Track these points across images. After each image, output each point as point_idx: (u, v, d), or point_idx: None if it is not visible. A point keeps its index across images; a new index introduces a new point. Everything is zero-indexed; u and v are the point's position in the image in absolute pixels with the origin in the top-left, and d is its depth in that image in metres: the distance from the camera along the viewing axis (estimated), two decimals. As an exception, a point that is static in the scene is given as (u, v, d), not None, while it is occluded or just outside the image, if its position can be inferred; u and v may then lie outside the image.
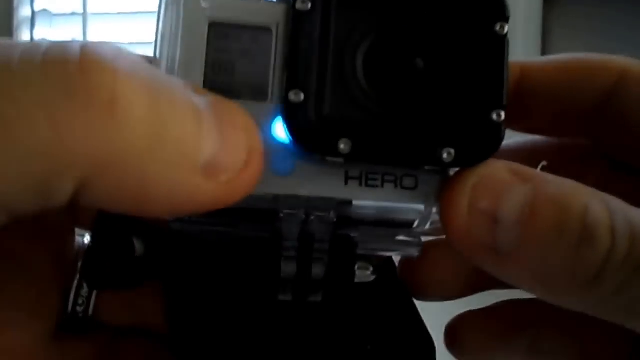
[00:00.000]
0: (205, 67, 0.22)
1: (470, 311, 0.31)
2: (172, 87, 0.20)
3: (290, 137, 0.22)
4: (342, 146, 0.22)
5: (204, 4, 0.22)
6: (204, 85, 0.22)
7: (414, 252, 0.27)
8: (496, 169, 0.23)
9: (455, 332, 0.31)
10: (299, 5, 0.22)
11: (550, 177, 0.23)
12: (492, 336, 0.31)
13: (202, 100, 0.20)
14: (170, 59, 0.23)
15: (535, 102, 0.27)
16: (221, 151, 0.19)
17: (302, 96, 0.22)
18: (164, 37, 0.23)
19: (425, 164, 0.23)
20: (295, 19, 0.22)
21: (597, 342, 0.29)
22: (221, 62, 0.23)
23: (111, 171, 0.18)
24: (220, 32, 0.23)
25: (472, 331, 0.31)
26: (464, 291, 0.31)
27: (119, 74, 0.18)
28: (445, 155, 0.22)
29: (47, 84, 0.17)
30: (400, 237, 0.27)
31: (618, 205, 0.22)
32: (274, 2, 0.23)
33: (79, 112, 0.17)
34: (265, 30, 0.23)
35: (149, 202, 0.19)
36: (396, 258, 0.31)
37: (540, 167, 0.24)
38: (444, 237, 0.29)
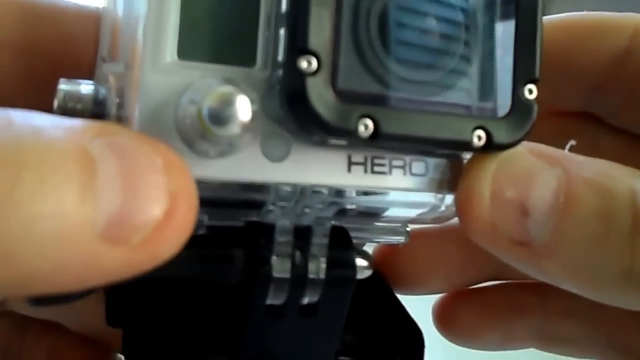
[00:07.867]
0: (180, 23, 0.18)
1: (464, 290, 0.28)
2: (44, 139, 0.15)
3: (293, 115, 0.17)
4: (362, 128, 0.17)
5: None
6: (179, 49, 0.18)
7: (402, 239, 0.24)
8: (517, 151, 0.20)
9: (447, 312, 0.28)
10: None
11: (581, 158, 0.20)
12: (490, 319, 0.28)
13: (99, 144, 0.15)
14: (134, 16, 0.18)
15: None
16: (127, 207, 0.15)
17: (315, 64, 0.17)
18: None
19: (456, 149, 0.19)
20: None
21: (629, 330, 0.26)
22: (199, 17, 0.18)
23: None
24: None
25: (467, 312, 0.28)
26: (451, 285, 0.28)
27: None
28: (475, 140, 0.19)
29: None
30: (383, 223, 0.24)
31: None
32: None
33: None
34: None
35: (31, 283, 0.14)
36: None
37: (568, 146, 0.21)
38: (430, 225, 0.26)
